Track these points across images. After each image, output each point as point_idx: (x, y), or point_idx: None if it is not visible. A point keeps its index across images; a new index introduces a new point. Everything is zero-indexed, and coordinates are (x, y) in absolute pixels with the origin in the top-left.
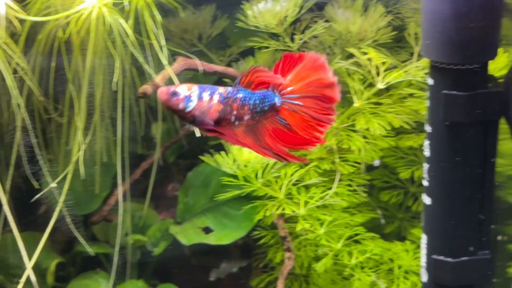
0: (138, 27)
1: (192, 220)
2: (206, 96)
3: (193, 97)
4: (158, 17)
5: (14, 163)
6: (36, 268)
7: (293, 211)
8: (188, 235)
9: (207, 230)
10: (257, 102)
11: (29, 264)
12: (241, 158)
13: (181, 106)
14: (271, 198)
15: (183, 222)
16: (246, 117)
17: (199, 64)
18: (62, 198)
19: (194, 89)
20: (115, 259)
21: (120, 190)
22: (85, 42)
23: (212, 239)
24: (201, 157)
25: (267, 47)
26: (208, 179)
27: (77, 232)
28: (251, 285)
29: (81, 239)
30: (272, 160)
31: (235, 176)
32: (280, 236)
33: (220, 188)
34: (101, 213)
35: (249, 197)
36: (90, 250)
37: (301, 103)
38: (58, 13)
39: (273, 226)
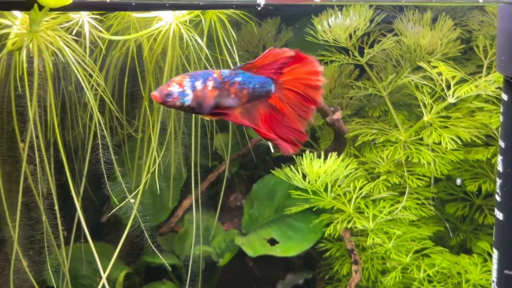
0: (210, 43)
1: (257, 232)
2: (199, 84)
3: (187, 90)
4: (232, 33)
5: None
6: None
7: (363, 225)
8: (254, 246)
9: (272, 242)
10: (257, 86)
11: (104, 275)
12: (311, 172)
13: (178, 104)
14: (337, 211)
15: (248, 233)
16: (244, 100)
17: None
18: (134, 210)
19: (186, 82)
20: (188, 270)
21: (193, 203)
22: (159, 58)
23: (278, 251)
24: (272, 171)
25: (333, 61)
26: (273, 191)
27: (152, 245)
28: None
29: (156, 251)
30: (341, 175)
31: (302, 189)
32: (347, 249)
33: (285, 200)
34: (169, 224)
35: (314, 210)
36: (164, 261)
37: (290, 95)
38: (136, 30)
39: (337, 239)
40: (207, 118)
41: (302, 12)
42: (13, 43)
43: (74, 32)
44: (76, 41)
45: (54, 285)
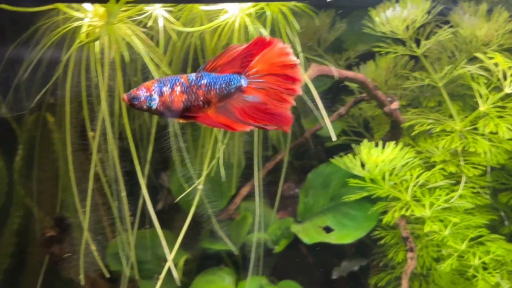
0: (273, 35)
1: (312, 220)
2: (166, 90)
3: (154, 95)
4: (296, 25)
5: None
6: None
7: (421, 214)
8: (310, 234)
9: (327, 230)
10: (223, 86)
11: (170, 259)
12: (369, 161)
13: (145, 107)
14: (393, 199)
15: (304, 221)
16: (214, 100)
17: (333, 71)
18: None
19: (154, 87)
20: (245, 257)
21: (256, 191)
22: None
23: (333, 238)
24: (331, 160)
25: (388, 52)
26: (327, 180)
27: (221, 231)
28: (369, 284)
29: (224, 238)
30: (399, 164)
31: (360, 178)
32: (402, 236)
33: (340, 189)
34: (227, 211)
35: (368, 198)
36: (234, 249)
37: (264, 81)
38: (201, 22)
39: (391, 227)
40: (180, 121)
41: (355, 5)
42: (87, 35)
43: (141, 24)
44: (146, 33)
45: (126, 268)
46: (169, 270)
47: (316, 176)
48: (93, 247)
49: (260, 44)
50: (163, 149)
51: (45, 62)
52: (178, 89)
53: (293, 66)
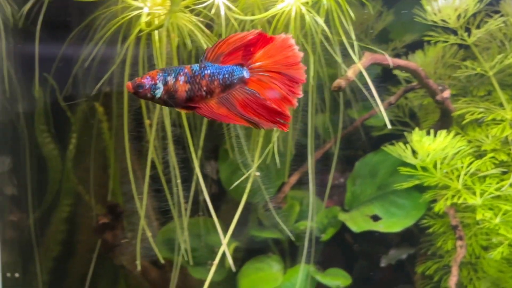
0: (327, 24)
1: (359, 208)
2: (170, 79)
3: (159, 84)
4: (351, 14)
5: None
6: (215, 251)
7: (473, 202)
8: (357, 222)
9: (375, 218)
10: (226, 76)
11: (225, 246)
12: (421, 149)
13: (149, 95)
14: (442, 188)
15: (351, 210)
16: (217, 90)
17: (387, 59)
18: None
19: (159, 76)
20: (293, 244)
21: (310, 179)
22: None
23: (381, 227)
24: (384, 148)
25: (436, 42)
26: (375, 169)
27: (278, 218)
28: (416, 272)
29: (281, 224)
30: (450, 152)
31: (410, 166)
32: (451, 225)
33: (388, 178)
34: (276, 200)
35: (416, 187)
36: (291, 236)
37: (268, 75)
38: (253, 12)
39: (439, 215)
40: (182, 111)
41: None
42: (148, 24)
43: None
44: (203, 22)
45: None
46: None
47: (363, 165)
48: (148, 234)
49: (263, 40)
50: (210, 138)
51: (102, 51)
52: (182, 78)
53: (296, 64)
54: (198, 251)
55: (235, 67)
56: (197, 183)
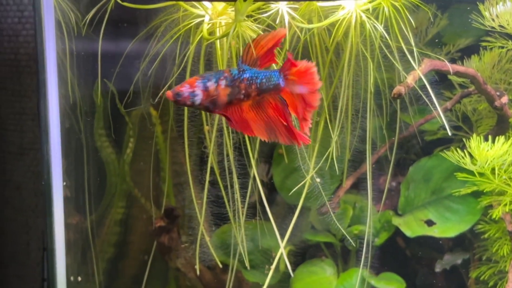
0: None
1: (413, 213)
2: (211, 85)
3: (197, 91)
4: (411, 21)
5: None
6: (268, 254)
7: None
8: (411, 227)
9: (429, 223)
10: (264, 81)
11: (283, 250)
12: (480, 156)
13: (188, 102)
14: (498, 194)
15: (404, 214)
16: (254, 94)
17: (447, 66)
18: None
19: (198, 83)
20: (346, 249)
21: (368, 184)
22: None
23: (436, 232)
24: (440, 153)
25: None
26: (429, 173)
27: (338, 223)
28: (470, 277)
29: (341, 229)
30: (508, 159)
31: (467, 172)
32: (508, 230)
33: (441, 183)
34: (330, 204)
35: (471, 192)
36: (352, 243)
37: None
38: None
39: (495, 221)
40: (220, 114)
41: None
42: (210, 32)
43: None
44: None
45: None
46: (271, 261)
47: (417, 169)
48: (207, 238)
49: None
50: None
51: (162, 57)
52: (223, 83)
53: (314, 92)
54: (252, 255)
55: (273, 73)
56: (253, 187)
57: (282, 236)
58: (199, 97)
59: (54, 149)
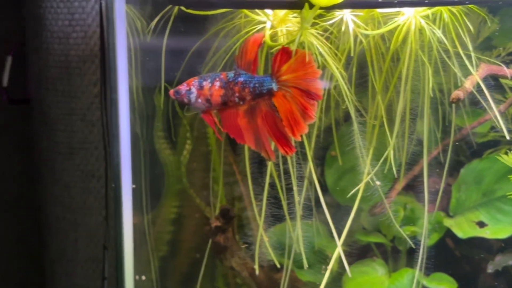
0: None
1: (464, 214)
2: (206, 84)
3: (193, 89)
4: (470, 26)
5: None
6: (320, 254)
7: None
8: (463, 228)
9: (480, 224)
10: (257, 85)
11: (340, 250)
12: None
13: (186, 100)
14: None
15: (456, 215)
16: (248, 98)
17: (504, 70)
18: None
19: (194, 82)
20: (396, 249)
21: (425, 187)
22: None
23: (487, 233)
24: (497, 157)
25: None
26: (480, 175)
27: (400, 228)
28: None
29: (399, 229)
30: None
31: None
32: None
33: (493, 185)
34: (383, 205)
35: None
36: (411, 244)
37: (291, 91)
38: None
39: None
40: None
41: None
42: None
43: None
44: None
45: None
46: (323, 261)
47: (468, 171)
48: (265, 238)
49: (286, 53)
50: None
51: (223, 63)
52: (217, 84)
53: (315, 81)
54: (306, 254)
55: (265, 78)
56: (307, 188)
57: (332, 237)
58: (194, 95)
59: (124, 153)
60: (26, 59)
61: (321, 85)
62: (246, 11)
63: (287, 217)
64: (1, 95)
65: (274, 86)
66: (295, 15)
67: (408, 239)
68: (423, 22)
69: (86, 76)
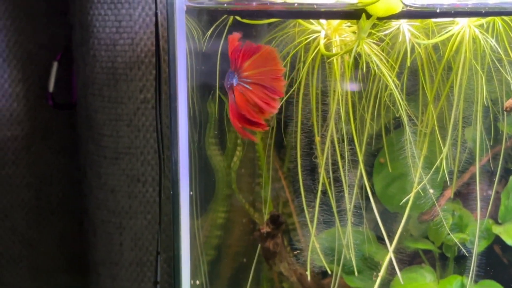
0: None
1: None
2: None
3: None
4: None
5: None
6: (368, 260)
7: None
8: None
9: None
10: (225, 80)
11: (392, 256)
12: None
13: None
14: None
15: (504, 223)
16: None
17: None
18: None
19: None
20: (444, 256)
21: (478, 196)
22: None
23: None
24: None
25: None
26: None
27: (451, 235)
28: None
29: (452, 236)
30: None
31: None
32: None
33: None
34: (432, 213)
35: None
36: (465, 252)
37: (251, 88)
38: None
39: None
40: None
41: None
42: (326, 48)
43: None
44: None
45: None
46: (375, 267)
47: None
48: (317, 245)
49: (250, 49)
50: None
51: None
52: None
53: (278, 78)
54: (351, 261)
55: (230, 73)
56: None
57: (383, 243)
58: None
59: (183, 161)
60: (72, 65)
61: (284, 83)
62: (300, 20)
63: (338, 223)
64: (47, 100)
65: (235, 82)
66: (349, 24)
67: (461, 246)
68: (477, 31)
69: (133, 82)
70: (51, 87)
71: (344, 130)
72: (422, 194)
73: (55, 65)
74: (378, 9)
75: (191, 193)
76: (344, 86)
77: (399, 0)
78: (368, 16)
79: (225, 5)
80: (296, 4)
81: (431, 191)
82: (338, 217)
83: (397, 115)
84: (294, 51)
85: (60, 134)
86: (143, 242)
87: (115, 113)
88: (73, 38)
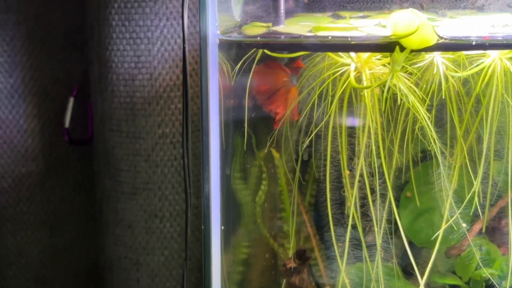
0: None
1: None
2: None
3: None
4: None
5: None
6: None
7: None
8: None
9: None
10: None
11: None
12: None
13: None
14: None
15: None
16: None
17: None
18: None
19: None
20: None
21: (510, 230)
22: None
23: None
24: None
25: None
26: None
27: (484, 269)
28: None
29: (487, 273)
30: None
31: None
32: None
33: None
34: (460, 247)
35: None
36: (497, 286)
37: None
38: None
39: None
40: None
41: None
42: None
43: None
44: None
45: None
46: None
47: None
48: (346, 280)
49: None
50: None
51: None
52: None
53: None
54: None
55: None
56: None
57: (409, 278)
58: None
59: (214, 196)
60: (88, 101)
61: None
62: (330, 53)
63: (367, 258)
64: (62, 136)
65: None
66: (378, 57)
67: (493, 280)
68: (508, 63)
69: (151, 117)
70: (67, 123)
71: (375, 164)
72: (454, 228)
73: (71, 101)
74: (412, 42)
75: (223, 227)
76: (374, 119)
77: (434, 32)
78: (402, 48)
79: (258, 38)
80: (330, 37)
81: (464, 225)
82: (369, 253)
83: (429, 148)
84: (325, 85)
85: (75, 170)
86: (160, 279)
87: (133, 148)
88: (90, 73)
